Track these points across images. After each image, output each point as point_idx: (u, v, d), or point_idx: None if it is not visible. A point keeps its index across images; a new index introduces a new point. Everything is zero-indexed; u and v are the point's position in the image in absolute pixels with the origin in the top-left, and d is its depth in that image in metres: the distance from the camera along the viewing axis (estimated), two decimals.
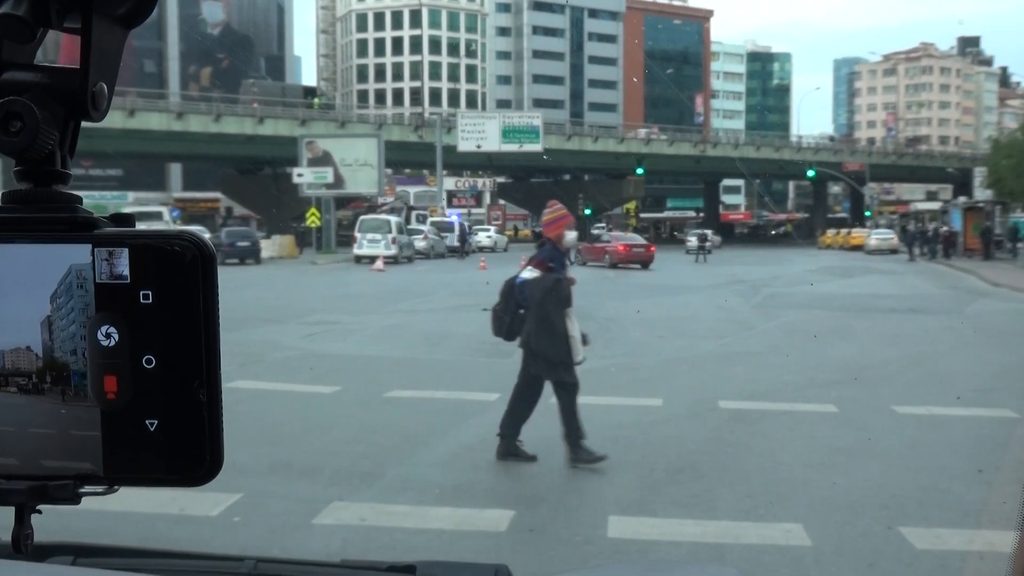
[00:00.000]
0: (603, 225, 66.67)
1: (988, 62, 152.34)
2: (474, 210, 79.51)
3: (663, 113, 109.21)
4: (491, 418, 8.30)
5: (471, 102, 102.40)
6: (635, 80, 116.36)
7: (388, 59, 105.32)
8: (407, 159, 63.38)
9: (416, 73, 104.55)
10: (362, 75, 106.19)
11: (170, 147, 55.23)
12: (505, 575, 1.48)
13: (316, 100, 71.24)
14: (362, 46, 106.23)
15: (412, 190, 74.60)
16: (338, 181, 49.31)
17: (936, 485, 6.58)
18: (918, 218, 66.60)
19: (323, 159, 49.84)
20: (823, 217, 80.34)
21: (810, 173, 67.17)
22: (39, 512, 0.68)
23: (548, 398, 7.04)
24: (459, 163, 67.70)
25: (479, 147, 61.65)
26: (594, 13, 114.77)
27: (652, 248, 38.42)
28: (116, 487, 0.67)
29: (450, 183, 76.86)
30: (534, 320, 6.94)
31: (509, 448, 6.89)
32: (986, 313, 19.86)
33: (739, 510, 5.96)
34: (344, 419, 8.78)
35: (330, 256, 43.59)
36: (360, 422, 8.63)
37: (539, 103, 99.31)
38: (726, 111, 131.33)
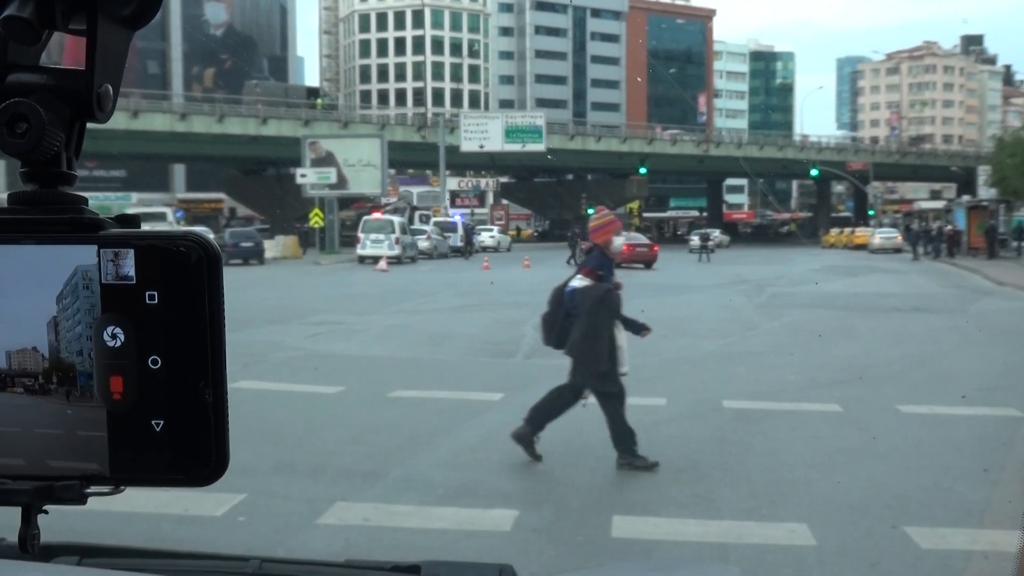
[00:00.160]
0: None
1: (992, 61, 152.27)
2: (477, 210, 79.42)
3: (666, 112, 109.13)
4: (495, 418, 8.30)
5: (474, 102, 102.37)
6: (638, 79, 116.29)
7: (391, 59, 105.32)
8: (410, 159, 63.45)
9: (419, 73, 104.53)
10: (365, 75, 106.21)
11: (174, 148, 55.29)
12: (509, 575, 1.48)
13: (319, 101, 71.33)
14: (365, 46, 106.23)
15: (415, 190, 74.52)
16: (341, 181, 49.29)
17: (940, 484, 6.58)
18: (922, 217, 66.63)
19: (326, 160, 49.83)
20: (827, 216, 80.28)
21: (814, 172, 67.15)
22: (45, 512, 0.68)
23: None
24: (462, 163, 67.72)
25: (482, 147, 61.63)
26: (597, 13, 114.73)
27: (655, 248, 38.38)
28: (122, 487, 0.67)
29: (453, 183, 76.91)
30: (582, 329, 6.88)
31: (526, 437, 6.82)
32: (990, 312, 19.83)
33: (742, 510, 5.96)
34: (348, 419, 8.79)
35: (333, 256, 43.58)
36: (364, 422, 8.63)
37: (542, 103, 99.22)
38: (729, 110, 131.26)
